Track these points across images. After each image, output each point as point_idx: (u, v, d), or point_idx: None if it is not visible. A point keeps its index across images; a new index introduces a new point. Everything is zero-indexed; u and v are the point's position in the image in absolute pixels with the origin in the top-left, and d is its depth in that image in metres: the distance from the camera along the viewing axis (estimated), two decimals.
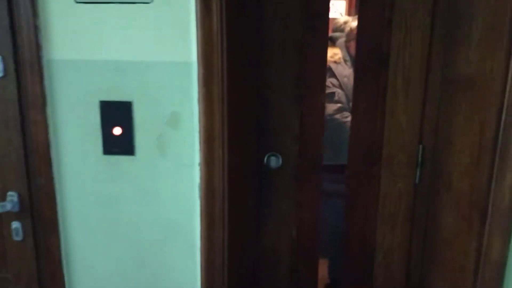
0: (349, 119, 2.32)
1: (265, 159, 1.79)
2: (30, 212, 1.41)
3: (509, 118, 1.24)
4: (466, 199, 1.47)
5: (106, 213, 1.40)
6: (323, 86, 1.77)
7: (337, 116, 2.41)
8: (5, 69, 1.32)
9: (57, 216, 1.40)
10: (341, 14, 3.52)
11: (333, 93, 2.42)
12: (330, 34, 2.60)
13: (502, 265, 1.36)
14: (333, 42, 2.55)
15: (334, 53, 2.49)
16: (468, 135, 1.45)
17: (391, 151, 1.76)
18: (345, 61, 2.48)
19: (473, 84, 1.42)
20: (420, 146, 1.71)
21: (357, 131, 1.80)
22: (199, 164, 1.35)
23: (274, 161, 1.79)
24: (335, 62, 2.47)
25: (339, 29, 2.55)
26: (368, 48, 1.70)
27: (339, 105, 2.42)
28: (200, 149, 1.33)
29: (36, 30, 1.28)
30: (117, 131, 1.34)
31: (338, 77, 2.44)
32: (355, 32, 2.09)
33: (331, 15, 2.82)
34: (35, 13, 1.27)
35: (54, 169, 1.37)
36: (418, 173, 1.74)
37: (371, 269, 1.90)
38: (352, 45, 2.40)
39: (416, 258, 1.81)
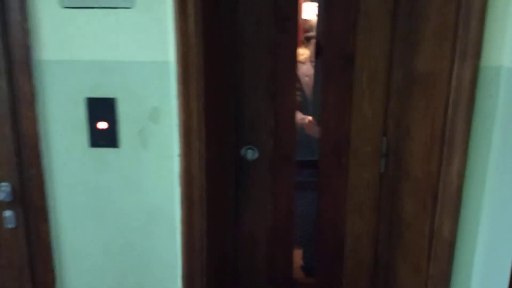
0: (301, 120, 2.44)
1: (242, 151, 1.92)
2: (22, 201, 1.52)
3: (453, 111, 1.39)
4: (421, 184, 1.62)
5: (93, 201, 1.52)
6: (294, 84, 1.91)
7: None
8: None
9: (47, 205, 1.51)
10: (316, 15, 3.66)
11: None
12: (305, 34, 2.75)
13: (452, 243, 1.50)
14: (307, 41, 2.70)
15: (300, 53, 2.61)
16: (423, 127, 1.60)
17: (358, 143, 1.91)
18: (311, 61, 2.61)
19: (427, 80, 1.57)
20: (384, 138, 1.87)
21: (327, 125, 1.94)
22: (179, 155, 1.47)
23: (251, 154, 1.93)
24: (300, 62, 2.59)
25: (314, 29, 2.70)
26: (335, 48, 1.84)
27: None
28: (179, 142, 1.45)
29: (26, 33, 1.39)
30: (102, 125, 1.46)
31: (300, 76, 2.55)
32: None
33: (306, 16, 2.97)
34: (25, 18, 1.38)
35: (44, 161, 1.48)
36: (383, 163, 1.89)
37: (342, 254, 2.05)
38: None
39: (382, 242, 1.96)
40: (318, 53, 2.30)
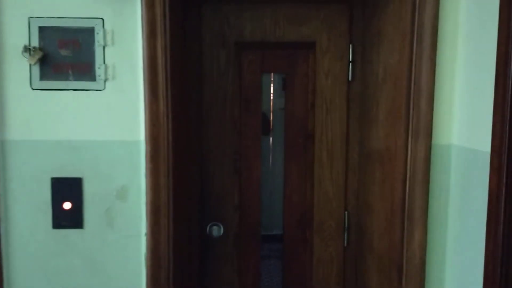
0: None
1: (208, 228, 1.91)
2: None
3: (411, 185, 1.48)
4: (385, 258, 1.66)
5: (54, 285, 1.44)
6: (258, 160, 1.97)
7: None
8: None
9: None
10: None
11: None
12: None
13: None
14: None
15: None
16: (382, 201, 1.68)
17: (321, 217, 1.96)
18: None
19: (382, 156, 1.67)
20: (346, 212, 1.93)
21: (289, 200, 1.99)
22: (145, 234, 1.45)
23: (216, 230, 1.92)
24: None
25: None
26: (296, 126, 1.94)
27: None
28: (147, 220, 1.44)
29: None
30: (67, 205, 1.43)
31: None
32: None
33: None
34: None
35: (2, 243, 1.41)
36: (345, 237, 1.94)
37: None
38: None
39: None
40: (265, 130, 2.43)
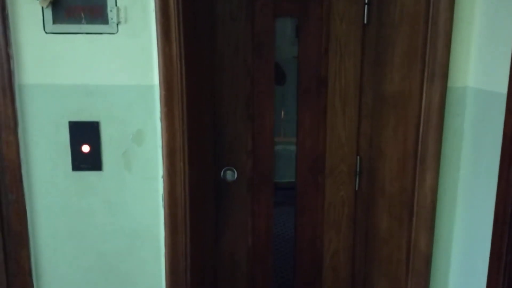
0: None
1: (222, 173, 1.95)
2: (1, 227, 1.49)
3: (424, 129, 1.49)
4: (396, 200, 1.70)
5: (75, 225, 1.50)
6: (271, 106, 1.97)
7: None
8: None
9: (27, 230, 1.48)
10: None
11: None
12: None
13: (429, 255, 1.58)
14: None
15: None
16: (395, 145, 1.69)
17: (333, 162, 1.98)
18: None
19: (397, 100, 1.66)
20: (358, 157, 1.95)
21: (302, 145, 2.00)
22: (162, 176, 1.49)
23: (230, 175, 1.96)
24: None
25: None
26: (309, 71, 1.92)
27: None
28: (163, 163, 1.48)
29: (8, 57, 1.39)
30: (85, 148, 1.46)
31: None
32: None
33: None
34: (7, 43, 1.39)
35: (24, 186, 1.46)
36: (357, 181, 1.97)
37: (320, 271, 2.09)
38: None
39: (359, 258, 2.02)
40: (280, 81, 2.40)
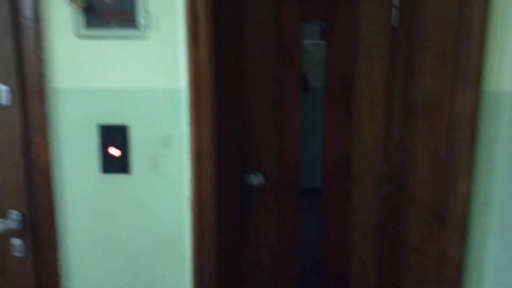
0: None
1: (247, 177, 1.95)
2: (31, 229, 1.51)
3: (457, 135, 1.44)
4: (426, 208, 1.65)
5: (103, 228, 1.51)
6: (298, 111, 1.96)
7: None
8: (12, 99, 1.45)
9: (57, 233, 1.50)
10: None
11: None
12: None
13: (461, 264, 1.53)
14: None
15: None
16: (426, 151, 1.65)
17: (360, 168, 1.95)
18: None
19: (428, 105, 1.63)
20: (386, 163, 1.91)
21: (329, 151, 1.98)
22: (189, 180, 1.49)
23: (256, 180, 1.95)
24: None
25: None
26: (336, 75, 1.90)
27: None
28: (191, 166, 1.48)
29: (41, 62, 1.42)
30: (114, 152, 1.47)
31: None
32: None
33: None
34: (40, 47, 1.42)
35: (55, 189, 1.48)
36: (385, 188, 1.93)
37: (346, 280, 2.05)
38: None
39: (387, 267, 1.98)
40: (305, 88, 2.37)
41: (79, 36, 1.42)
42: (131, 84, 1.44)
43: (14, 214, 1.49)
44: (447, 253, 1.56)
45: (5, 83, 1.44)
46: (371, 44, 1.85)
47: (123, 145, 1.48)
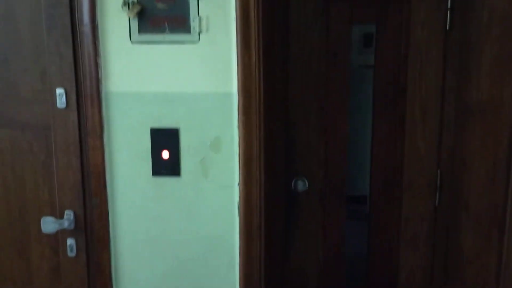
0: None
1: (293, 182, 1.92)
2: (84, 229, 1.55)
3: None
4: (484, 217, 1.58)
5: (153, 230, 1.53)
6: (345, 115, 1.92)
7: None
8: (68, 102, 1.49)
9: (108, 233, 1.53)
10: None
11: None
12: None
13: None
14: None
15: None
16: (483, 157, 1.58)
17: (411, 176, 1.88)
18: None
19: (485, 109, 1.56)
20: (438, 170, 1.84)
21: (377, 157, 1.93)
22: (238, 184, 1.48)
23: (301, 185, 1.92)
24: None
25: None
26: (387, 80, 1.86)
27: None
28: (240, 171, 1.47)
29: (96, 66, 1.46)
30: (165, 155, 1.49)
31: None
32: None
33: None
34: (96, 52, 1.45)
35: (108, 190, 1.51)
36: (437, 196, 1.86)
37: None
38: None
39: (438, 278, 1.90)
40: None
41: (133, 41, 1.45)
42: (183, 88, 1.46)
43: (68, 214, 1.53)
44: (508, 265, 1.49)
45: (62, 86, 1.49)
46: (423, 47, 1.79)
47: (174, 148, 1.49)
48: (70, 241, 1.55)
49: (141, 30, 1.44)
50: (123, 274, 1.56)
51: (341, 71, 1.88)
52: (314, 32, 1.83)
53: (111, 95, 1.48)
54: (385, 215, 1.96)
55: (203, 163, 1.49)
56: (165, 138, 1.49)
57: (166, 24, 1.43)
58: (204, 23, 1.43)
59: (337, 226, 1.99)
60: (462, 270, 1.75)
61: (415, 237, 1.92)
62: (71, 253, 1.55)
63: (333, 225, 1.99)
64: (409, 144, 1.87)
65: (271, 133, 1.77)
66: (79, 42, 1.46)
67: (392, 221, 1.95)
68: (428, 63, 1.80)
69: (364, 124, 2.37)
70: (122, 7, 1.42)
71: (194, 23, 1.43)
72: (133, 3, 1.41)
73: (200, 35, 1.43)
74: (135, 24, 1.44)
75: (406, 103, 1.84)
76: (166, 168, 1.50)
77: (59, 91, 1.49)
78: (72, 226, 1.54)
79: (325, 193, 1.96)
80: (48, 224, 1.50)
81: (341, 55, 1.87)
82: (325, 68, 1.87)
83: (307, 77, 1.88)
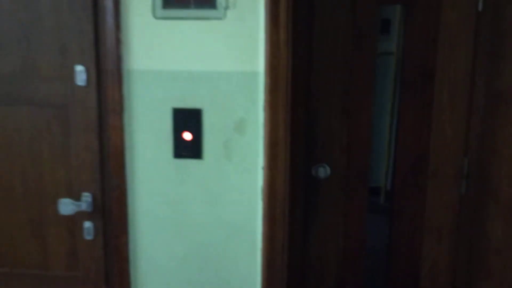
0: None
1: (314, 169, 1.87)
2: (102, 212, 1.50)
3: None
4: None
5: (173, 213, 1.48)
6: (370, 101, 1.86)
7: None
8: (88, 79, 1.44)
9: (127, 216, 1.48)
10: None
11: None
12: None
13: None
14: None
15: None
16: None
17: (437, 163, 1.83)
18: None
19: None
20: (466, 158, 1.78)
21: (403, 144, 1.87)
22: (263, 168, 1.43)
23: (323, 172, 1.87)
24: None
25: None
26: (415, 64, 1.79)
27: None
28: (265, 154, 1.42)
29: (118, 42, 1.40)
30: (187, 136, 1.44)
31: None
32: None
33: None
34: (118, 27, 1.40)
35: (127, 172, 1.46)
36: (464, 185, 1.80)
37: (416, 281, 1.93)
38: None
39: (463, 269, 1.85)
40: None
41: (156, 17, 1.39)
42: (207, 67, 1.40)
43: (86, 196, 1.49)
44: None
45: (82, 63, 1.43)
46: (453, 30, 1.73)
47: (196, 130, 1.43)
48: (87, 224, 1.50)
49: (165, 5, 1.38)
50: (141, 258, 1.51)
51: (367, 54, 1.82)
52: (340, 11, 1.76)
53: (132, 73, 1.42)
54: (409, 203, 1.90)
55: (226, 145, 1.44)
56: (187, 119, 1.43)
57: None
58: None
59: (359, 214, 1.94)
60: (488, 261, 1.70)
61: (439, 227, 1.87)
62: (88, 236, 1.51)
63: (355, 214, 1.94)
64: (435, 131, 1.81)
65: (294, 117, 1.72)
66: (100, 17, 1.41)
67: (416, 210, 1.89)
68: (458, 47, 1.74)
69: (380, 113, 2.31)
70: None
71: None
72: None
73: (227, 11, 1.37)
74: None
75: (434, 89, 1.78)
76: (188, 150, 1.44)
77: (79, 68, 1.43)
78: (90, 209, 1.49)
79: (348, 180, 1.91)
80: (66, 206, 1.46)
81: (368, 37, 1.80)
82: (350, 50, 1.81)
83: (331, 59, 1.81)
